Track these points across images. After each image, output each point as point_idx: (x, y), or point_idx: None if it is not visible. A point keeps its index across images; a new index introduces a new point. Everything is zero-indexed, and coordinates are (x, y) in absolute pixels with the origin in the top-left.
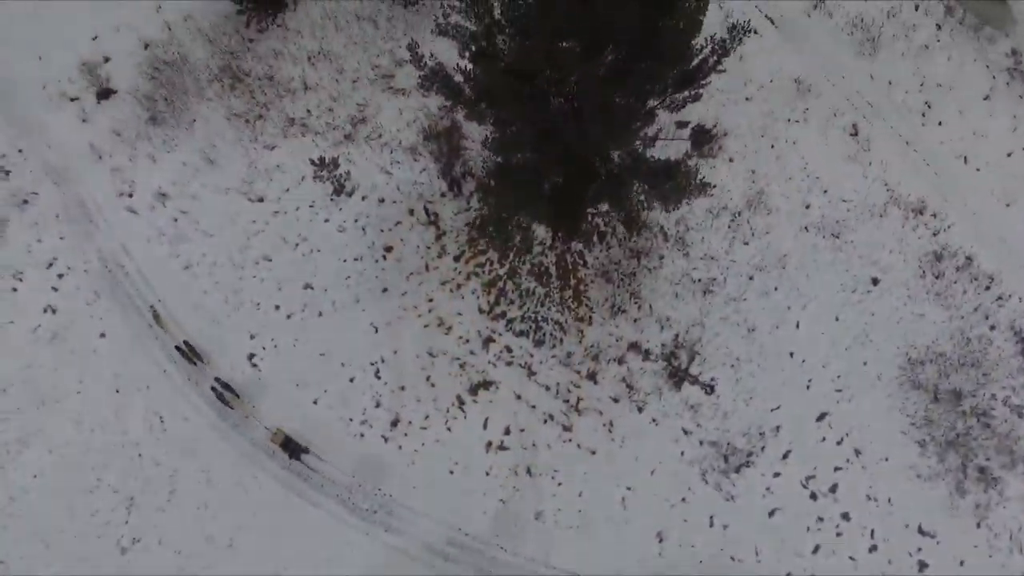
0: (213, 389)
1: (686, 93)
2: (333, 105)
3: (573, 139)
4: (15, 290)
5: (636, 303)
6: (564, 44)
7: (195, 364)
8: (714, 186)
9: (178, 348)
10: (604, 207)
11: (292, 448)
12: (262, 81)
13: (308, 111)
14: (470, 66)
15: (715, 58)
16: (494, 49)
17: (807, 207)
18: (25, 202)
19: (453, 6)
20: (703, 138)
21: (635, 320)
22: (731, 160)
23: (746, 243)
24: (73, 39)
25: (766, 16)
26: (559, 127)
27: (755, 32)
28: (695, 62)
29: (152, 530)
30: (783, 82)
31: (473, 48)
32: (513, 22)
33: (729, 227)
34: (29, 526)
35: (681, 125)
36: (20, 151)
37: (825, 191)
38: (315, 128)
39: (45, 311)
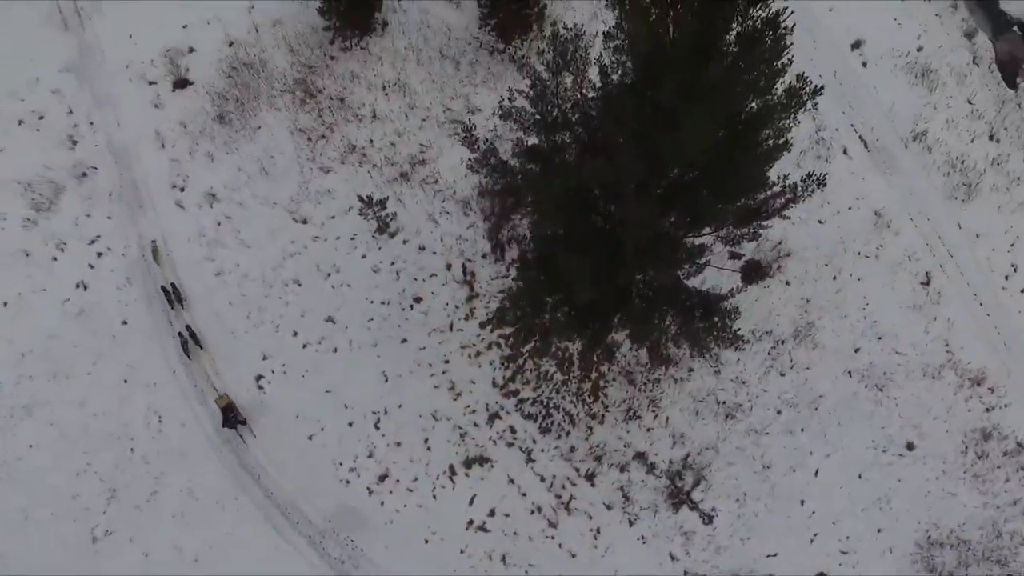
0: (180, 335)
1: (744, 230)
2: (397, 140)
3: (610, 256)
4: (55, 259)
5: (653, 412)
6: (628, 158)
7: (172, 308)
8: (748, 342)
9: (163, 288)
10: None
11: (231, 416)
12: (333, 101)
13: (371, 141)
14: (522, 161)
15: (782, 201)
16: (553, 146)
17: (856, 350)
18: (84, 175)
19: (521, 90)
20: (755, 275)
21: (648, 429)
22: (788, 283)
23: (782, 374)
24: (165, 24)
25: (860, 137)
26: (599, 241)
27: (844, 152)
28: (761, 197)
29: (126, 527)
30: (862, 212)
31: (532, 141)
32: (581, 124)
33: (769, 354)
34: (13, 494)
35: (735, 256)
36: (91, 123)
37: (880, 337)
38: (374, 160)
39: (78, 286)
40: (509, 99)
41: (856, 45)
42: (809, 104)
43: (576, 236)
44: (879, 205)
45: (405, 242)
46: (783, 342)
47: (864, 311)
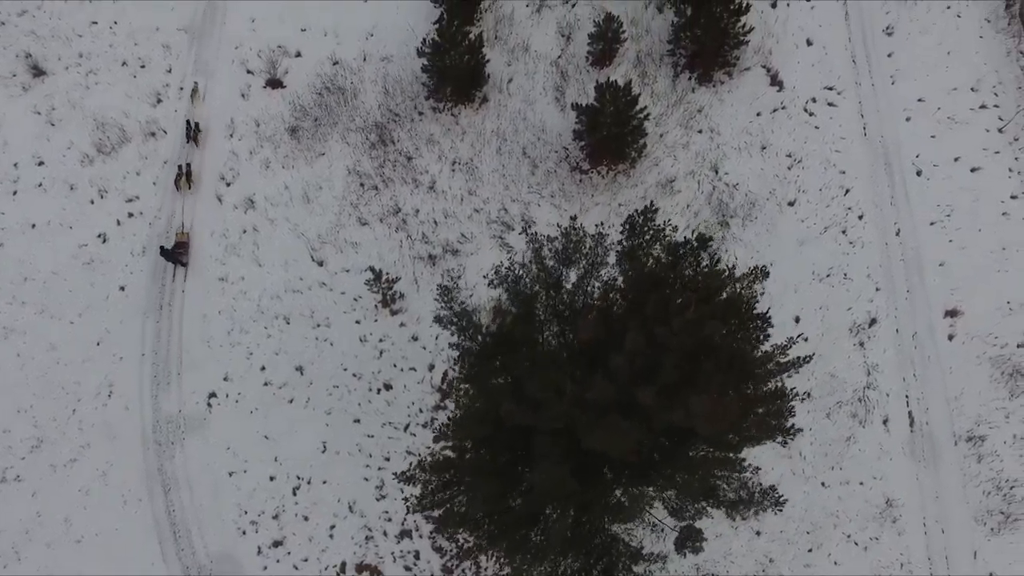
0: (179, 167)
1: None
2: (441, 220)
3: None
4: (92, 202)
5: None
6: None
7: (187, 142)
8: None
9: (188, 121)
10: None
11: (178, 252)
12: (401, 157)
13: (417, 211)
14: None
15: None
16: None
17: None
18: (152, 134)
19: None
20: (687, 543)
21: None
22: (758, 534)
23: None
24: (290, 20)
25: (909, 412)
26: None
27: (884, 423)
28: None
29: (34, 480)
30: (873, 493)
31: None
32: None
33: None
34: None
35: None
36: (181, 88)
37: None
38: (411, 231)
39: (99, 236)
40: (507, 267)
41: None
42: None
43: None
44: (895, 495)
45: (402, 325)
46: None
47: None
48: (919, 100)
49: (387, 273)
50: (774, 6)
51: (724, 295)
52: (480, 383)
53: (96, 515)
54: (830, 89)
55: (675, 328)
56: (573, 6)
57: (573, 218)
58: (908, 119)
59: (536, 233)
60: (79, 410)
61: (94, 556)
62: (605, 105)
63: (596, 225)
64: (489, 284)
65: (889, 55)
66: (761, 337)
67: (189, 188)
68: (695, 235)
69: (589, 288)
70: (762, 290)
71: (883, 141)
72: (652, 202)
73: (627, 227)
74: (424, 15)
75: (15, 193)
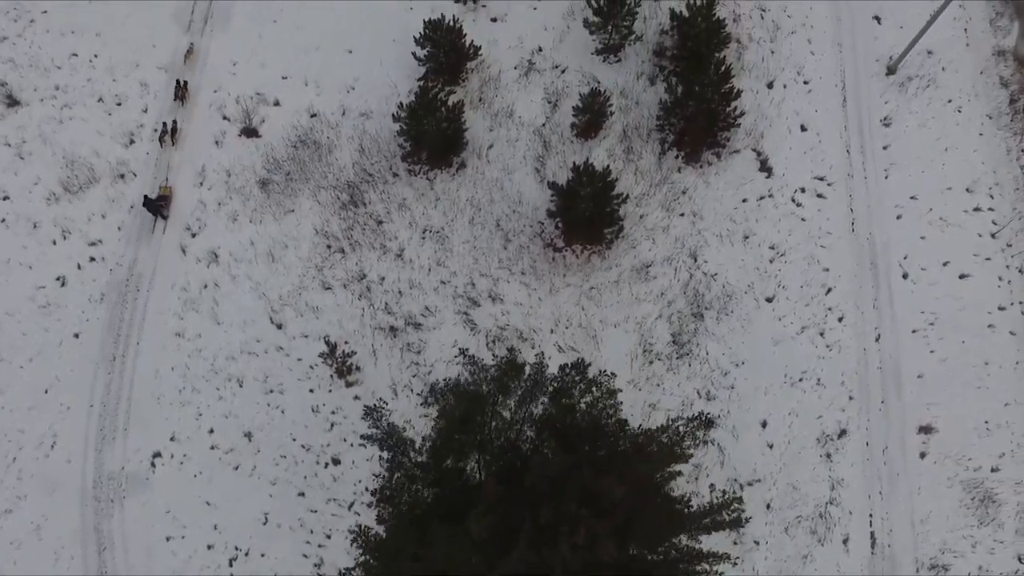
0: (164, 124)
1: None
2: (406, 291)
3: None
4: (54, 243)
5: None
6: None
7: (175, 100)
8: None
9: (177, 81)
10: None
11: (160, 204)
12: (371, 221)
13: (382, 279)
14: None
15: None
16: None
17: None
18: (122, 176)
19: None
20: None
21: None
22: None
23: None
24: (271, 65)
25: (872, 533)
26: None
27: (844, 543)
28: None
29: None
30: None
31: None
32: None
33: None
34: None
35: None
36: (155, 130)
37: None
38: (374, 299)
39: (57, 279)
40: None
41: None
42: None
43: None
44: None
45: (356, 398)
46: None
47: None
48: (912, 198)
49: (343, 346)
50: (770, 87)
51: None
52: (398, 512)
53: (26, 569)
54: (821, 179)
55: (564, 551)
56: (562, 72)
57: (510, 350)
58: (899, 217)
59: (474, 356)
60: (20, 459)
61: None
62: (581, 187)
63: (537, 355)
64: (424, 403)
65: (885, 147)
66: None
67: (173, 144)
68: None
69: (519, 425)
70: (704, 438)
71: (871, 239)
72: (582, 360)
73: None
74: (408, 71)
75: None
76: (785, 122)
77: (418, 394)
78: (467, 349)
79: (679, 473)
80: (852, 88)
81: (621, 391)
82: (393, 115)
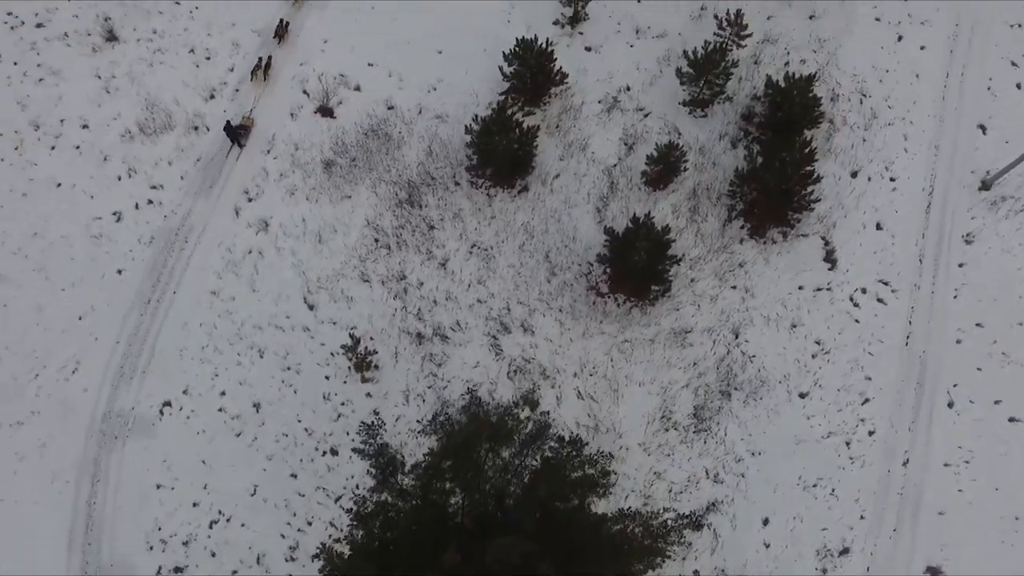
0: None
1: None
2: (441, 302)
3: None
4: (119, 179)
5: None
6: None
7: (276, 37)
8: None
9: (281, 20)
10: None
11: (240, 133)
12: (422, 224)
13: (421, 284)
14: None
15: None
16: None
17: None
18: (195, 128)
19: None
20: None
21: None
22: None
23: None
24: (361, 50)
25: None
26: None
27: None
28: None
29: None
30: None
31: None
32: None
33: None
34: None
35: None
36: (237, 91)
37: None
38: (409, 302)
39: (114, 214)
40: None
41: None
42: None
43: None
44: None
45: (368, 396)
46: None
47: None
48: (977, 325)
49: (367, 342)
50: (854, 176)
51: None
52: (368, 534)
53: (22, 483)
54: (885, 284)
55: None
56: (645, 116)
57: (528, 391)
58: (959, 341)
59: (480, 398)
60: (42, 376)
61: (8, 523)
62: (637, 240)
63: (543, 413)
64: (422, 431)
65: (960, 265)
66: None
67: (264, 80)
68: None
69: (510, 475)
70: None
71: (923, 358)
72: (579, 437)
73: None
74: (492, 84)
75: (53, 148)
76: (861, 216)
77: (422, 422)
78: (476, 389)
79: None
80: (940, 195)
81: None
82: (466, 126)
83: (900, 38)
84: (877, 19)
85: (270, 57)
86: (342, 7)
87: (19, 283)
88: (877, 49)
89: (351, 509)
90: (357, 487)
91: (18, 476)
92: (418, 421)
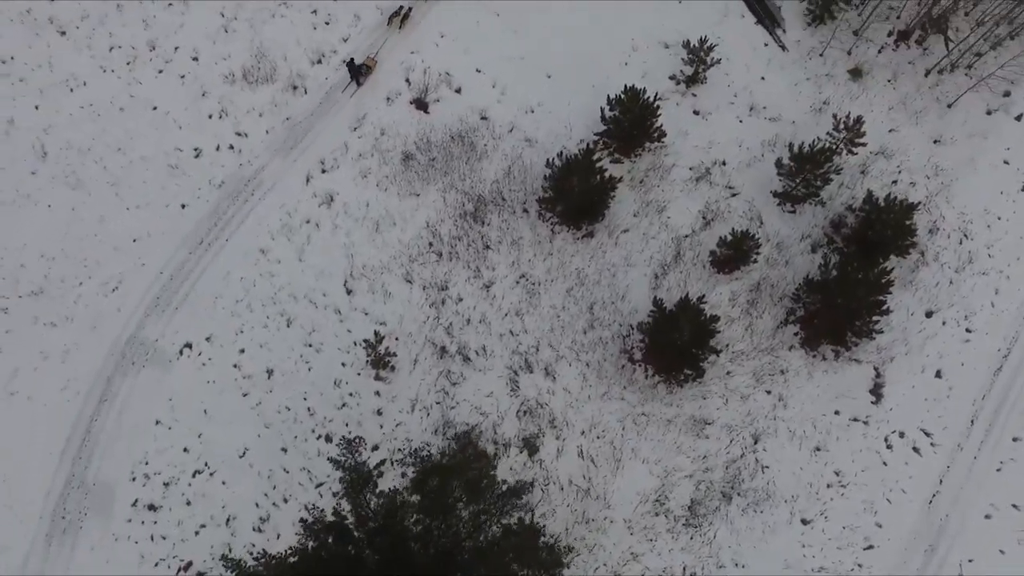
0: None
1: None
2: (475, 323)
3: None
4: (209, 117)
5: None
6: None
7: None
8: None
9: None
10: None
11: (362, 71)
12: (480, 241)
13: (459, 299)
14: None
15: None
16: None
17: None
18: (294, 88)
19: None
20: None
21: None
22: None
23: None
24: (475, 53)
25: None
26: None
27: None
28: None
29: (11, 322)
30: None
31: None
32: None
33: None
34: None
35: None
36: (343, 62)
37: None
38: (443, 315)
39: (195, 150)
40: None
41: None
42: None
43: None
44: None
45: (377, 394)
46: None
47: None
48: (1014, 506)
49: (391, 342)
50: (928, 315)
51: None
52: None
53: (38, 381)
54: (927, 435)
55: None
56: (732, 195)
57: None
58: (988, 516)
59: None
60: (85, 286)
61: (14, 414)
62: (681, 321)
63: (516, 481)
64: (401, 460)
65: (1015, 439)
66: None
67: (400, 28)
68: None
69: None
70: None
71: (944, 522)
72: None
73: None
74: (589, 121)
75: (160, 72)
76: (923, 358)
77: (410, 445)
78: (480, 423)
79: None
80: (1016, 361)
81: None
82: (547, 160)
83: None
84: (1006, 162)
85: (410, 8)
86: (468, 7)
87: (91, 191)
88: (996, 193)
89: (304, 519)
90: (309, 508)
91: (37, 373)
92: (407, 441)
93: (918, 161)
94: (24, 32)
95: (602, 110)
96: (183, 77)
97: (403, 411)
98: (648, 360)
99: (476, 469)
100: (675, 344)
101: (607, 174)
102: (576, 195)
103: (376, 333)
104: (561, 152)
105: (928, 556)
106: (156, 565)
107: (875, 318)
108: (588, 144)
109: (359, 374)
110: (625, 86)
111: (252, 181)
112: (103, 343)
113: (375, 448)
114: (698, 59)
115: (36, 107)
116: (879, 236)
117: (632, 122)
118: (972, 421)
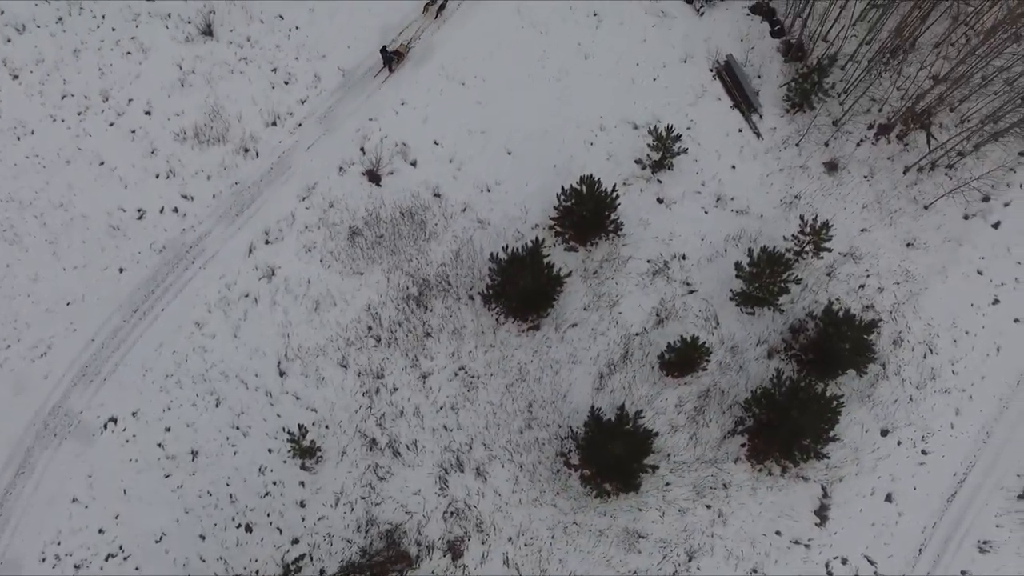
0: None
1: None
2: (408, 416)
3: None
4: (157, 177)
5: None
6: None
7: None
8: None
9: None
10: None
11: (394, 57)
12: (420, 328)
13: (394, 389)
14: None
15: None
16: None
17: None
18: (246, 151)
19: None
20: None
21: None
22: None
23: None
24: (432, 123)
25: None
26: None
27: None
28: None
29: None
30: None
31: None
32: None
33: None
34: None
35: None
36: (298, 125)
37: None
38: (376, 405)
39: (139, 211)
40: None
41: None
42: None
43: None
44: None
45: (301, 484)
46: None
47: None
48: None
49: (313, 438)
50: (883, 434)
51: None
52: None
53: None
54: (870, 563)
55: None
56: (690, 293)
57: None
58: None
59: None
60: (12, 348)
61: None
62: (617, 436)
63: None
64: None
65: (963, 573)
66: None
67: (435, 17)
68: None
69: None
70: None
71: None
72: None
73: None
74: (547, 204)
75: (111, 125)
76: (874, 480)
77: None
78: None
79: None
80: (970, 488)
81: None
82: (492, 254)
83: (997, 301)
84: (980, 272)
85: (446, 1)
86: (433, 75)
87: (28, 248)
88: (966, 305)
89: None
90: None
91: None
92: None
93: (888, 265)
94: None
95: (558, 197)
96: (134, 132)
97: (327, 504)
98: (584, 466)
99: (397, 571)
100: (610, 457)
101: (556, 270)
102: (521, 291)
103: (300, 426)
104: (506, 246)
105: None
106: None
107: (821, 444)
108: (537, 237)
109: (284, 462)
110: (581, 177)
111: (194, 248)
112: (26, 411)
113: (295, 541)
114: (664, 147)
115: None
116: (836, 350)
117: (588, 213)
118: (920, 550)
